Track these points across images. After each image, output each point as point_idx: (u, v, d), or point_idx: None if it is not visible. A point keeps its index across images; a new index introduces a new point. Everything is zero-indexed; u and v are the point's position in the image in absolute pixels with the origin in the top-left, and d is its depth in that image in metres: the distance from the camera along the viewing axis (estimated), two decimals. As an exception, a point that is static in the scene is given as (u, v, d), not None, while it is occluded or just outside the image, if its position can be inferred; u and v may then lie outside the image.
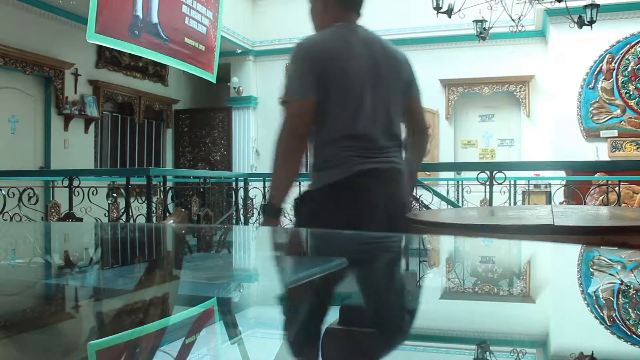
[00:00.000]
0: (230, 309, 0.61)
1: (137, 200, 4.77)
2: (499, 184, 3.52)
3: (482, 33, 6.11)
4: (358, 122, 1.69)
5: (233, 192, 5.56)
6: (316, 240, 1.20)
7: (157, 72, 8.88)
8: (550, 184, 6.98)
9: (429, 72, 8.50)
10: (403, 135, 1.84)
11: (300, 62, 1.72)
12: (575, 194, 4.76)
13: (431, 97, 8.60)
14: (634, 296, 0.58)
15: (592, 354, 0.39)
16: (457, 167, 6.61)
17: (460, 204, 6.51)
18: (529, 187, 7.28)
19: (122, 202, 4.56)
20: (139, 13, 5.52)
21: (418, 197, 4.30)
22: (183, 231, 1.61)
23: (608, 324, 0.48)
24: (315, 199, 1.72)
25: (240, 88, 9.32)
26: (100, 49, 7.50)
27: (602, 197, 4.50)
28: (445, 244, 1.04)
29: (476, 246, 0.98)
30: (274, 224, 1.73)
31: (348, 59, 1.72)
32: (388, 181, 1.71)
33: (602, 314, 0.51)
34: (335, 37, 1.77)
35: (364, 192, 1.66)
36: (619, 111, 7.46)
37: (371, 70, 1.73)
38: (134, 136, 8.63)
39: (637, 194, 5.89)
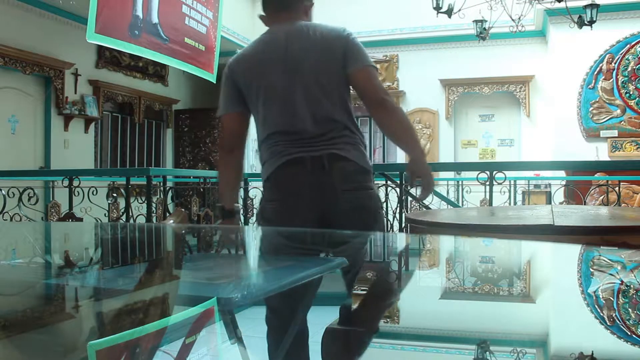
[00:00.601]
0: (230, 308, 0.61)
1: (137, 200, 4.77)
2: (499, 184, 3.52)
3: (482, 33, 6.11)
4: (281, 117, 1.75)
5: (233, 192, 5.55)
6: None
7: (157, 72, 8.88)
8: (550, 184, 6.98)
9: (429, 72, 8.51)
10: (346, 116, 1.80)
11: (223, 79, 1.84)
12: (575, 194, 4.76)
13: (431, 97, 8.61)
14: (634, 296, 0.58)
15: (592, 354, 0.39)
16: (457, 167, 6.60)
17: (460, 204, 6.51)
18: (529, 187, 7.28)
19: (122, 202, 4.56)
20: (139, 13, 5.52)
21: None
22: (183, 231, 1.61)
23: (608, 324, 0.48)
24: (261, 196, 1.84)
25: (240, 88, 9.32)
26: (100, 49, 7.50)
27: (602, 197, 4.50)
28: (445, 244, 1.04)
29: (476, 246, 0.98)
30: (230, 223, 1.86)
31: (258, 63, 1.79)
32: (316, 169, 1.69)
33: (602, 314, 0.51)
34: (252, 46, 1.85)
35: (288, 181, 1.71)
36: (619, 111, 7.46)
37: (287, 64, 1.75)
38: (134, 136, 8.63)
39: (637, 194, 5.89)
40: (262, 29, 1.89)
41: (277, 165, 1.72)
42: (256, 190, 5.61)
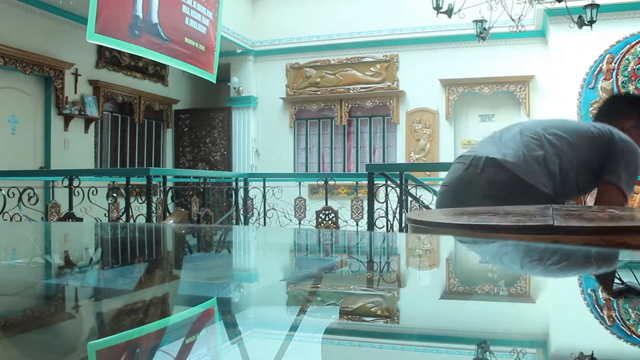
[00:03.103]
0: (230, 309, 0.61)
1: (137, 200, 4.77)
2: (499, 184, 3.51)
3: (482, 33, 6.11)
4: None
5: (233, 192, 5.56)
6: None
7: (157, 72, 8.88)
8: (550, 184, 6.97)
9: (429, 72, 8.51)
10: None
11: None
12: (575, 194, 4.75)
13: (431, 97, 8.61)
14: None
15: (592, 354, 0.39)
16: (457, 167, 6.58)
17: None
18: (529, 187, 7.27)
19: (122, 202, 4.56)
20: (139, 13, 5.52)
21: (418, 197, 4.31)
22: (183, 231, 1.61)
23: (608, 324, 0.48)
24: None
25: (240, 88, 9.32)
26: (100, 49, 7.51)
27: (602, 197, 4.48)
28: (445, 244, 1.04)
29: (476, 246, 0.98)
30: None
31: None
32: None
33: (602, 314, 0.51)
34: None
35: None
36: (619, 111, 7.45)
37: None
38: (134, 136, 8.63)
39: (637, 194, 5.89)
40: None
41: None
42: (256, 191, 5.61)
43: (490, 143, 1.85)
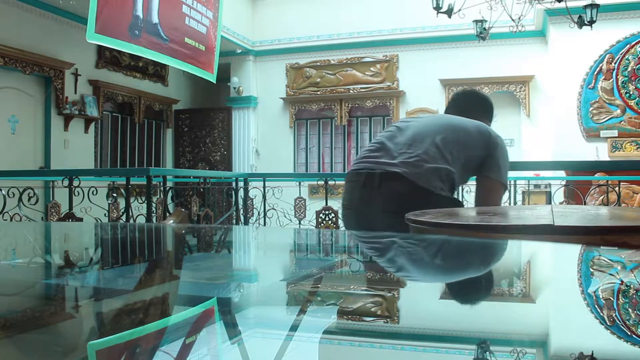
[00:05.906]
0: (230, 309, 0.61)
1: (137, 200, 4.77)
2: (499, 184, 3.51)
3: (482, 33, 6.11)
4: None
5: (233, 192, 5.56)
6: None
7: (157, 72, 8.88)
8: (550, 184, 6.97)
9: (429, 72, 8.52)
10: None
11: None
12: (575, 194, 4.75)
13: (431, 97, 8.61)
14: (634, 296, 0.58)
15: (592, 354, 0.39)
16: (457, 167, 6.58)
17: (460, 204, 6.49)
18: (529, 187, 7.28)
19: (122, 202, 4.56)
20: (139, 13, 5.52)
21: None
22: (183, 231, 1.61)
23: (608, 324, 0.48)
24: None
25: (240, 88, 9.32)
26: (100, 49, 7.51)
27: (602, 197, 4.50)
28: (445, 244, 1.04)
29: (476, 246, 0.98)
30: None
31: None
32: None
33: (602, 314, 0.51)
34: None
35: None
36: (619, 111, 7.45)
37: None
38: (134, 136, 8.63)
39: (637, 194, 5.89)
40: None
41: None
42: (256, 191, 5.61)
43: (381, 152, 1.86)
